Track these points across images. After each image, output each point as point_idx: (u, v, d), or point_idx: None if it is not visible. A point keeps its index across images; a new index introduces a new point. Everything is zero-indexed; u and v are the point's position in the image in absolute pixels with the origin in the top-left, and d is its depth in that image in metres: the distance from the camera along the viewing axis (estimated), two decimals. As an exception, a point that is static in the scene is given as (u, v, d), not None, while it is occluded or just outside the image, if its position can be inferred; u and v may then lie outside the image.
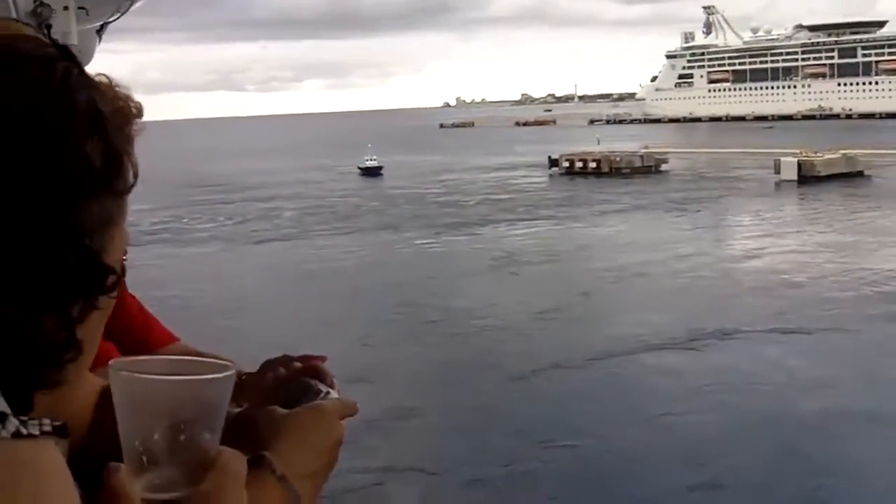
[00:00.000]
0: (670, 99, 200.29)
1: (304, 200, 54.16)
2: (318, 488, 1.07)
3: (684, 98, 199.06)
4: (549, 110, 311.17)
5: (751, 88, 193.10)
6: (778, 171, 55.52)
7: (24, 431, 0.74)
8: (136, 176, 0.89)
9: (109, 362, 0.93)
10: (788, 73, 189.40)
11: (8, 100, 0.78)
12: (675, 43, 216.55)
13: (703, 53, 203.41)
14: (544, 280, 29.19)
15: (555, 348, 20.60)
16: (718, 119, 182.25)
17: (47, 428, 0.77)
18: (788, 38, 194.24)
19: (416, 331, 22.70)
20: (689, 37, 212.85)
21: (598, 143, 76.41)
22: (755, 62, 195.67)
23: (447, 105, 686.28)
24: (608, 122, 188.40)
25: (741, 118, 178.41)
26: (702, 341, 20.95)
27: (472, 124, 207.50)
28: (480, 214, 45.57)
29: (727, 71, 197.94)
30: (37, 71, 0.82)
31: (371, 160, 74.33)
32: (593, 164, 64.34)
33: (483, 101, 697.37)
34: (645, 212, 44.73)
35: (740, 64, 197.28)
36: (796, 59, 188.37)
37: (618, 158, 65.26)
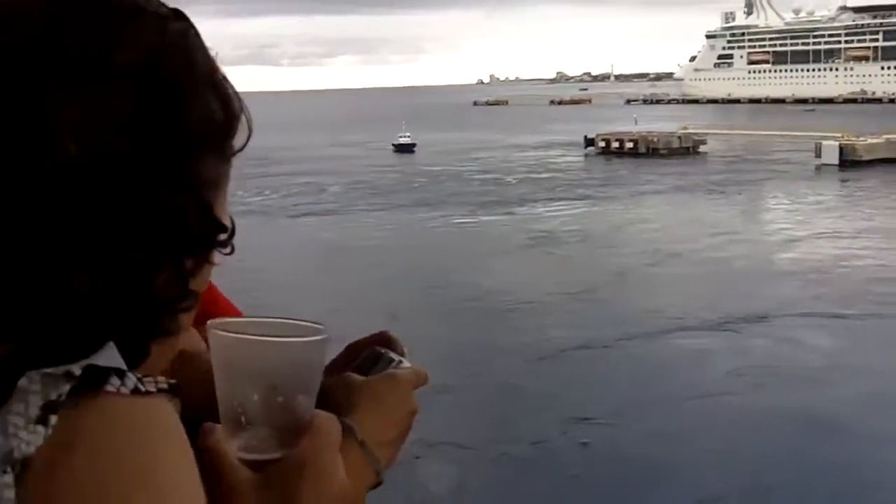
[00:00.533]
0: (709, 79, 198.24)
1: (341, 176, 53.98)
2: (393, 458, 1.06)
3: (723, 79, 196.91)
4: (585, 89, 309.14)
5: (791, 70, 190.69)
6: (819, 155, 54.57)
7: (142, 388, 0.74)
8: (248, 137, 0.90)
9: (208, 322, 0.94)
10: (830, 55, 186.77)
11: (136, 52, 0.79)
12: (715, 22, 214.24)
13: (743, 34, 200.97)
14: (579, 260, 28.92)
15: (586, 328, 20.44)
16: (757, 101, 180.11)
17: (163, 385, 0.78)
18: (831, 19, 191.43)
19: (448, 308, 22.53)
20: (729, 17, 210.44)
21: (636, 123, 75.45)
22: (797, 43, 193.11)
23: (481, 82, 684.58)
24: (645, 101, 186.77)
25: (781, 100, 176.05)
26: (737, 324, 20.66)
27: (505, 102, 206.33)
28: (515, 193, 45.25)
29: (768, 52, 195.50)
30: (163, 26, 0.83)
31: (405, 137, 74.19)
32: (630, 145, 63.70)
33: (517, 79, 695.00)
34: (682, 193, 44.17)
35: (781, 45, 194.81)
36: (839, 42, 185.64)
37: (655, 139, 64.51)
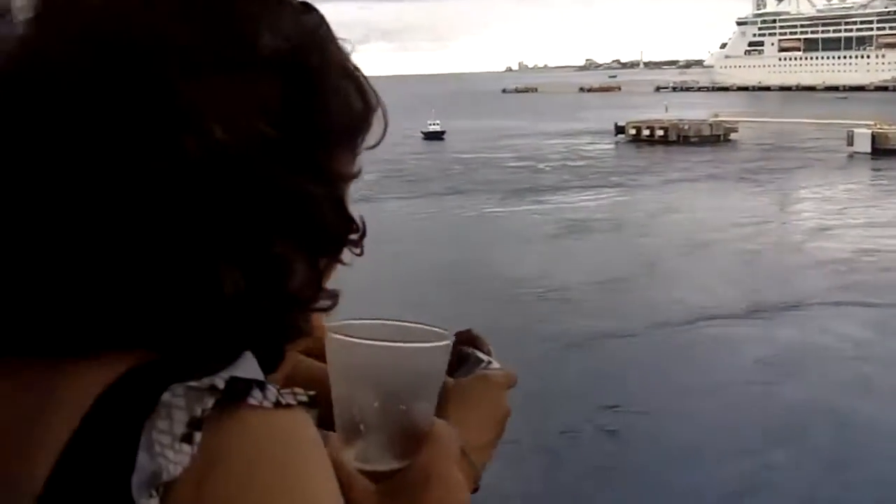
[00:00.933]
0: (739, 67, 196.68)
1: (373, 164, 54.19)
2: (487, 463, 1.03)
3: (754, 66, 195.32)
4: (614, 76, 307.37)
5: (823, 58, 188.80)
6: (851, 143, 54.24)
7: (282, 401, 0.72)
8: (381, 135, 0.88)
9: (326, 325, 0.90)
10: (862, 42, 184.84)
11: (278, 39, 0.78)
12: (746, 9, 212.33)
13: (774, 21, 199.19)
14: (609, 248, 29.03)
15: (616, 317, 20.52)
16: (788, 88, 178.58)
17: (303, 398, 0.75)
18: (863, 6, 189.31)
19: (478, 296, 22.72)
20: (760, 3, 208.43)
21: (667, 111, 75.26)
22: (828, 31, 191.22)
23: (509, 70, 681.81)
24: (674, 89, 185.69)
25: (811, 88, 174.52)
26: (768, 312, 20.72)
27: (535, 90, 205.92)
28: (546, 181, 45.34)
29: (799, 39, 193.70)
30: (300, 16, 0.82)
31: (434, 124, 74.22)
32: (660, 132, 63.49)
33: (546, 67, 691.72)
34: (714, 181, 44.11)
35: (812, 32, 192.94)
36: (871, 29, 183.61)
37: (686, 126, 64.27)
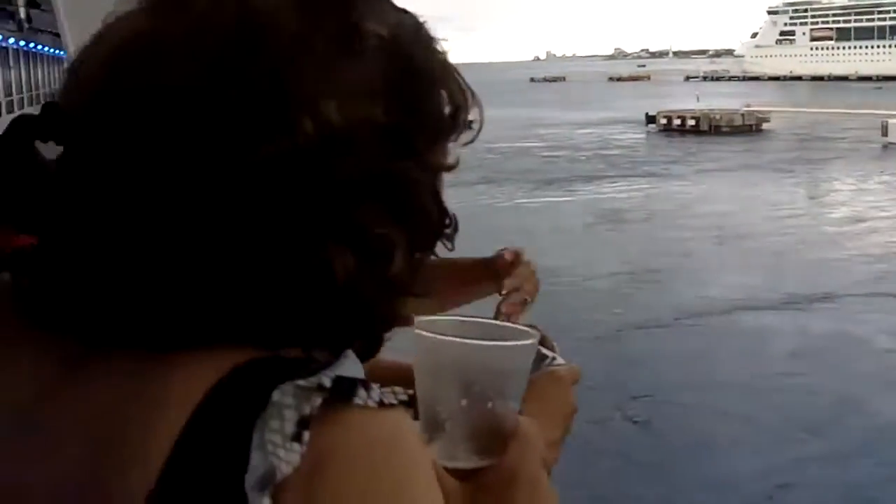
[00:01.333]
0: (771, 56, 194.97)
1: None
2: (557, 460, 1.03)
3: (785, 56, 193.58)
4: (643, 66, 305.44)
5: (855, 47, 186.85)
6: (885, 134, 53.76)
7: (385, 401, 0.72)
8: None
9: (414, 321, 0.90)
10: (895, 32, 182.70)
11: (384, 28, 0.80)
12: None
13: (805, 10, 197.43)
14: (642, 238, 28.98)
15: (647, 307, 20.50)
16: (820, 78, 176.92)
17: (403, 397, 0.75)
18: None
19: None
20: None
21: (698, 101, 74.78)
22: (861, 20, 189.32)
23: (537, 59, 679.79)
24: (705, 78, 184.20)
25: (844, 78, 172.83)
26: (801, 304, 20.64)
27: (563, 79, 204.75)
28: (578, 171, 45.28)
29: (831, 28, 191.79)
30: (399, 10, 0.83)
31: (464, 113, 74.18)
32: (692, 122, 63.11)
33: (574, 56, 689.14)
34: (746, 171, 43.88)
35: (845, 21, 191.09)
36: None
37: (717, 116, 63.85)
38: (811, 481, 12.79)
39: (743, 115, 65.81)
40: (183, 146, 0.71)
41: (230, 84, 0.72)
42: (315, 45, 0.75)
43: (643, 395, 15.59)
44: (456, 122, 0.86)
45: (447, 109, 0.84)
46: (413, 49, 0.82)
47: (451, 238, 0.87)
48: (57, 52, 47.26)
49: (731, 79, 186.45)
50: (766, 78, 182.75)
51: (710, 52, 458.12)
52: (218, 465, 0.66)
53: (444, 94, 0.84)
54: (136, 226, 0.72)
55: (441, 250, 0.86)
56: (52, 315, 0.76)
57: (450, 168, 0.86)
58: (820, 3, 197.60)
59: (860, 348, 17.54)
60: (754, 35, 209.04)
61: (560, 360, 1.10)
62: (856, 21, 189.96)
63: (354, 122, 0.75)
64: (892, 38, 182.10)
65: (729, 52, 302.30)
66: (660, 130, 64.43)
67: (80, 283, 0.74)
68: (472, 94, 0.88)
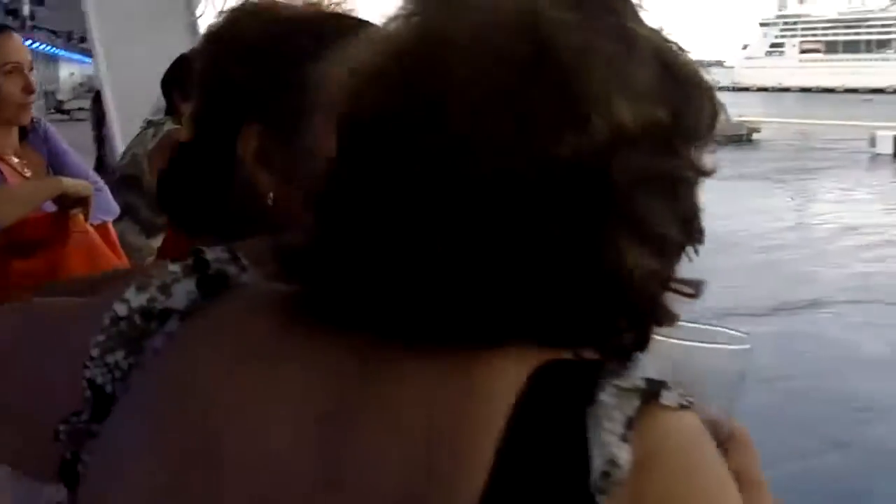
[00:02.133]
0: (761, 68, 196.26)
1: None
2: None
3: (775, 67, 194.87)
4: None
5: (843, 60, 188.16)
6: (873, 145, 54.45)
7: (684, 402, 0.71)
8: None
9: None
10: (883, 45, 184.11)
11: (655, 38, 0.82)
12: (768, 10, 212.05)
13: (795, 23, 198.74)
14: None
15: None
16: (808, 90, 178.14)
17: (691, 398, 0.73)
18: (884, 9, 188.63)
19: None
20: (782, 5, 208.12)
21: (687, 111, 75.31)
22: (849, 33, 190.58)
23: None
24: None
25: (831, 90, 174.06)
26: (790, 311, 20.92)
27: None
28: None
29: (820, 41, 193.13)
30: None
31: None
32: (683, 131, 63.55)
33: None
34: (737, 181, 44.29)
35: (834, 34, 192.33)
36: (891, 31, 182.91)
37: (708, 126, 64.31)
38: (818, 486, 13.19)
39: (734, 124, 66.31)
40: (483, 140, 0.71)
41: (528, 81, 0.72)
42: (601, 44, 0.75)
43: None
44: (711, 128, 0.86)
45: (708, 114, 0.85)
46: (674, 52, 0.83)
47: (702, 241, 0.86)
48: (54, 50, 47.28)
49: (720, 89, 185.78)
50: (755, 89, 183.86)
51: (702, 63, 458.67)
52: (556, 466, 0.65)
53: (707, 99, 0.84)
54: (434, 223, 0.72)
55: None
56: (349, 314, 0.75)
57: (710, 173, 0.86)
58: (810, 16, 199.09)
59: (846, 356, 17.81)
60: (745, 47, 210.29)
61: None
62: (844, 34, 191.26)
63: (641, 122, 0.75)
64: (879, 52, 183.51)
65: (719, 63, 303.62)
66: (651, 139, 64.62)
67: (383, 280, 0.73)
68: (721, 102, 0.88)
